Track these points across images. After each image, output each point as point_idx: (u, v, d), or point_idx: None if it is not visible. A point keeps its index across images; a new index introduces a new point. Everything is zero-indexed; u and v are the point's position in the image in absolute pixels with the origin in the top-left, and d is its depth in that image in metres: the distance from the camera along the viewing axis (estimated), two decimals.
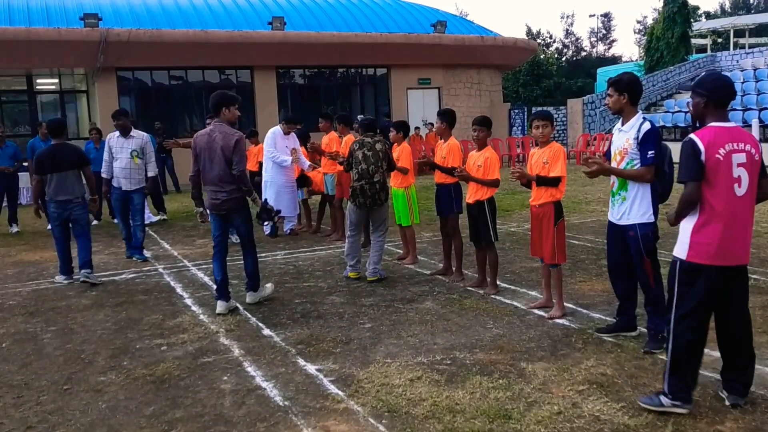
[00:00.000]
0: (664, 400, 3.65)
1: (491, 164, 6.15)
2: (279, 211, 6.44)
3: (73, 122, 21.81)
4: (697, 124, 3.72)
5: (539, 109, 6.94)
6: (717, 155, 3.50)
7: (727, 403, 3.71)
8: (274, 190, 9.37)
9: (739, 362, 3.75)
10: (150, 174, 8.62)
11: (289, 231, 10.00)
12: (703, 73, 3.89)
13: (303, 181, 9.78)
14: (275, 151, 9.32)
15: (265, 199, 6.26)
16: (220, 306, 6.00)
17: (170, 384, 4.40)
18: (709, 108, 3.64)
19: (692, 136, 3.58)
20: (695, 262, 3.58)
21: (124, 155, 8.33)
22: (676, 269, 3.67)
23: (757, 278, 6.43)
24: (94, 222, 11.98)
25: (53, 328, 5.76)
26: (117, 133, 8.41)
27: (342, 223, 9.53)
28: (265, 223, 6.07)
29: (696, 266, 3.58)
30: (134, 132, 8.52)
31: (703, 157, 3.50)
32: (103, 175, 8.48)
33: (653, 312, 4.70)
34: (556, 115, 24.98)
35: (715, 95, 3.62)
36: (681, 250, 3.64)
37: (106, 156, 8.42)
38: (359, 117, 9.24)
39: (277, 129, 9.51)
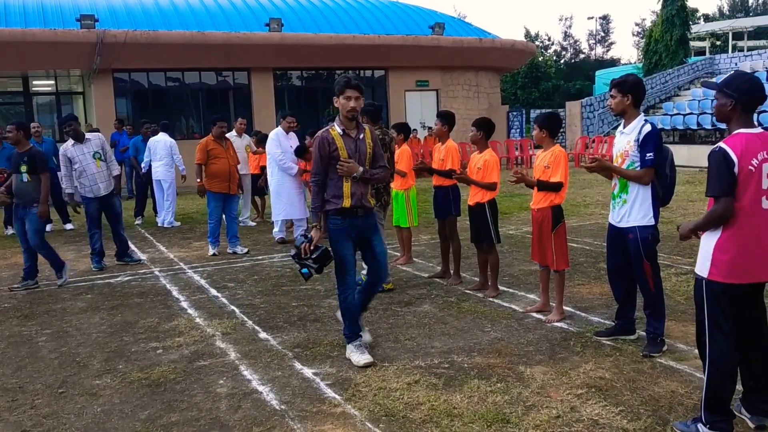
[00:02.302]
0: (701, 428, 3.41)
1: (489, 167, 6.12)
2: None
3: None
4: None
5: (547, 111, 6.86)
6: (750, 166, 3.24)
7: (751, 425, 3.52)
8: (285, 195, 9.20)
9: (764, 383, 3.52)
10: (114, 173, 8.30)
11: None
12: (732, 72, 3.58)
13: (302, 151, 9.20)
14: (282, 154, 9.06)
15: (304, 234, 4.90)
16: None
17: (166, 388, 4.36)
18: (736, 111, 3.36)
19: (723, 145, 3.29)
20: (720, 281, 3.33)
21: (88, 161, 7.98)
22: (702, 289, 3.41)
23: None
24: None
25: (48, 331, 5.72)
26: (70, 141, 8.04)
27: None
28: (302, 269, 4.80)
29: (722, 285, 3.33)
30: (88, 135, 8.24)
31: (736, 169, 3.23)
32: (68, 190, 8.15)
33: (652, 315, 4.67)
34: None
35: (746, 97, 3.34)
36: (703, 267, 3.39)
37: (65, 171, 8.08)
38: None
39: (279, 130, 9.33)
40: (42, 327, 5.85)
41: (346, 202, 4.61)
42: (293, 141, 9.37)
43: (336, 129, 4.66)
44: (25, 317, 6.18)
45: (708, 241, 3.39)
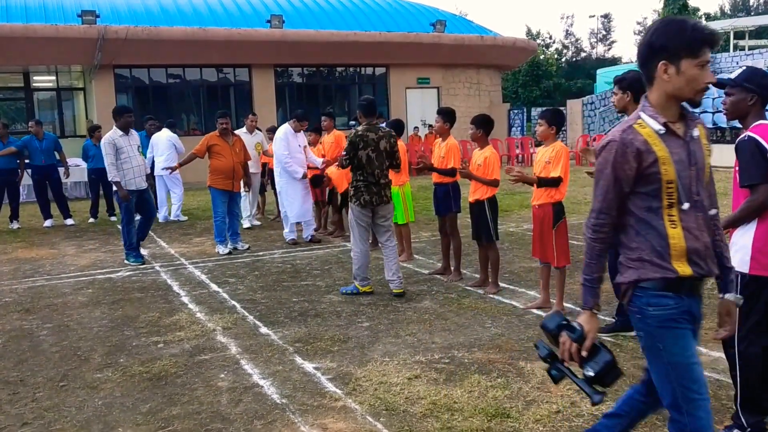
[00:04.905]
0: None
1: (490, 164, 6.12)
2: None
3: (69, 120, 21.79)
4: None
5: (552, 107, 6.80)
6: None
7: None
8: (294, 196, 9.00)
9: None
10: (147, 171, 8.55)
11: (310, 237, 9.34)
12: (744, 68, 3.51)
13: (317, 181, 9.17)
14: (289, 157, 8.86)
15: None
16: None
17: (167, 381, 4.37)
18: (756, 105, 3.34)
19: (752, 134, 3.26)
20: (761, 275, 3.22)
21: (134, 153, 8.07)
22: (737, 285, 3.16)
23: None
24: (91, 220, 11.99)
25: (49, 325, 5.73)
26: (119, 132, 8.02)
27: None
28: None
29: (762, 279, 3.23)
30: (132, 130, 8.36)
31: None
32: (116, 179, 7.90)
33: None
34: None
35: (766, 91, 3.33)
36: (742, 263, 3.26)
37: (111, 159, 7.90)
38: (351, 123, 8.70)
39: (288, 128, 9.06)
40: (43, 321, 5.86)
41: (683, 266, 2.38)
42: (302, 140, 9.12)
43: (648, 124, 2.41)
44: (26, 311, 6.19)
45: (744, 236, 3.30)
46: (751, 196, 3.26)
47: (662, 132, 2.38)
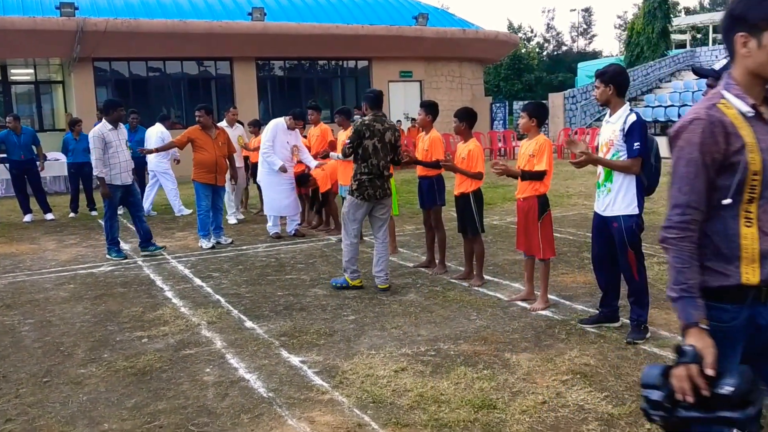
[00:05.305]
0: None
1: (474, 157, 6.14)
2: None
3: (48, 113, 21.51)
4: None
5: (536, 100, 6.83)
6: None
7: None
8: (276, 189, 8.89)
9: None
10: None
11: (294, 232, 9.26)
12: (728, 59, 3.48)
13: (303, 180, 9.11)
14: (271, 150, 8.71)
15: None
16: None
17: (152, 376, 4.35)
18: None
19: None
20: None
21: (123, 147, 7.94)
22: None
23: None
24: (71, 215, 11.87)
25: (31, 321, 5.66)
26: (108, 126, 7.86)
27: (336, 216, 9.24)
28: None
29: None
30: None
31: None
32: (101, 175, 7.80)
33: (635, 303, 4.72)
34: None
35: None
36: None
37: (99, 153, 7.74)
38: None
39: (281, 122, 8.88)
40: (25, 317, 5.80)
41: (752, 274, 2.07)
42: (294, 138, 8.92)
43: (733, 104, 2.07)
44: (7, 307, 6.12)
45: None
46: None
47: (750, 115, 2.04)
